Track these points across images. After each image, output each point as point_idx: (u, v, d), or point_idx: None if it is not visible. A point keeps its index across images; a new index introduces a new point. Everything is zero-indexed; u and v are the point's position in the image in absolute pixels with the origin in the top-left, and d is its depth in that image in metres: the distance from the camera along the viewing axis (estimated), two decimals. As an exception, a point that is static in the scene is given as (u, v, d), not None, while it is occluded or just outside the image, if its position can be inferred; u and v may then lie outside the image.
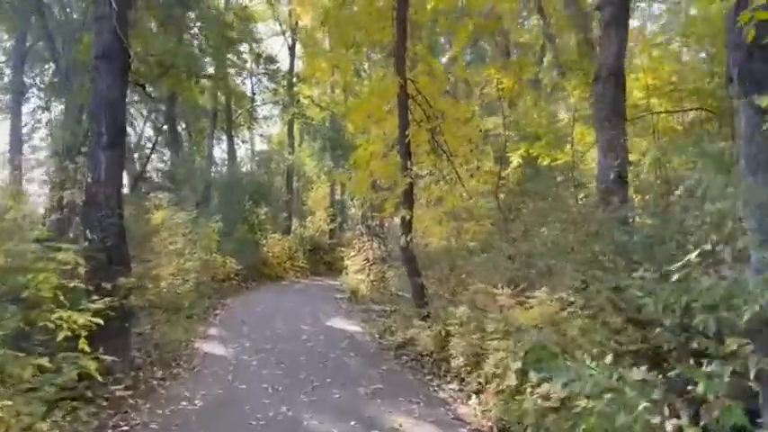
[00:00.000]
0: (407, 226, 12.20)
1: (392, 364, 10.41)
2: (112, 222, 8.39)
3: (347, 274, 22.43)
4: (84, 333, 6.98)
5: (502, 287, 9.05)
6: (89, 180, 8.35)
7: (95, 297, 7.51)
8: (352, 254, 22.34)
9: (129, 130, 27.19)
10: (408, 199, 12.20)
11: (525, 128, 13.97)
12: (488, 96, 16.17)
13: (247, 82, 32.68)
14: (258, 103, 35.21)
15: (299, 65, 31.34)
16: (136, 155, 25.10)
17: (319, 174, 37.09)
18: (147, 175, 19.95)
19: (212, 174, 25.98)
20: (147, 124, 27.65)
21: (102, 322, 7.06)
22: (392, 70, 12.45)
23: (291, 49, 30.78)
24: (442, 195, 13.13)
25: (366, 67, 32.32)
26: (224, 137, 31.70)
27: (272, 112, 36.62)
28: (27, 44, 22.00)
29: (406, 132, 12.12)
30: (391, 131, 12.85)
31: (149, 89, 18.27)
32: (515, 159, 13.48)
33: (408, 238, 12.12)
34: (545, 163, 13.21)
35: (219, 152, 33.38)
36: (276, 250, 26.97)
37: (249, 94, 35.52)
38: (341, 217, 34.47)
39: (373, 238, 21.69)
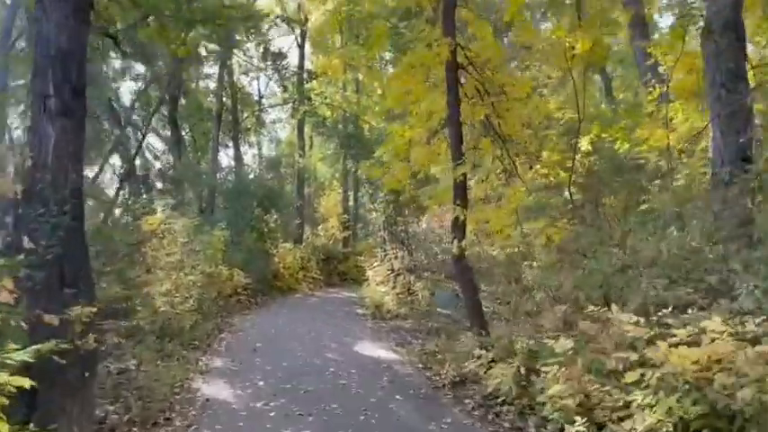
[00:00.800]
0: (461, 229, 9.37)
1: (456, 414, 7.53)
2: (65, 225, 5.56)
3: (368, 285, 19.57)
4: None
5: (619, 309, 6.25)
6: (30, 163, 5.55)
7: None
8: (375, 263, 19.45)
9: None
10: (461, 194, 9.37)
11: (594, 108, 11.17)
12: (553, 68, 13.35)
13: (254, 84, 30.16)
14: (266, 106, 32.57)
15: (309, 63, 28.67)
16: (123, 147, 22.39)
17: (332, 179, 34.36)
18: (139, 173, 16.80)
19: (218, 179, 23.13)
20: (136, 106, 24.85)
21: (31, 383, 4.22)
22: (438, 32, 9.65)
23: (301, 46, 28.08)
24: (501, 190, 10.29)
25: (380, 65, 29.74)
26: (230, 142, 28.99)
27: (280, 116, 33.91)
28: None
29: (457, 111, 9.33)
30: (435, 112, 10.04)
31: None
32: (584, 144, 10.64)
33: (462, 244, 9.27)
34: (623, 149, 10.39)
35: (226, 159, 30.69)
36: (288, 260, 24.17)
37: (257, 96, 32.97)
38: (354, 224, 31.70)
39: (398, 245, 18.83)
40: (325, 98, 25.57)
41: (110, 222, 11.16)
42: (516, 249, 9.77)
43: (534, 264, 9.30)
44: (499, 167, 10.21)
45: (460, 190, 9.37)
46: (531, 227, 9.69)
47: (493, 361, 8.53)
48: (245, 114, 31.24)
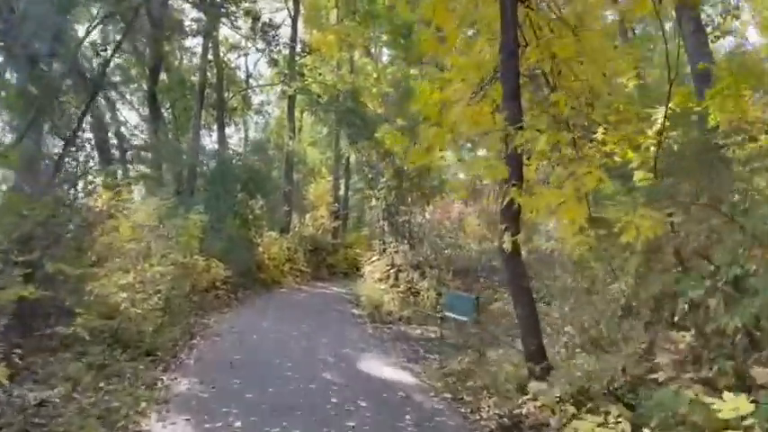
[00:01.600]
0: (514, 217, 6.74)
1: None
2: None
3: (364, 281, 16.91)
4: None
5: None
6: None
7: None
8: (373, 257, 16.77)
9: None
10: (517, 170, 6.73)
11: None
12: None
13: (242, 62, 27.29)
14: (254, 86, 29.67)
15: (301, 39, 25.78)
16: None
17: (322, 165, 31.59)
18: (81, 140, 13.60)
19: (200, 159, 20.22)
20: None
21: None
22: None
23: (294, 18, 25.23)
24: (559, 169, 7.62)
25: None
26: (214, 124, 26.06)
27: (269, 98, 31.02)
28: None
29: (514, 57, 6.70)
30: (480, 63, 7.37)
31: None
32: (660, 116, 8.02)
33: (516, 238, 6.65)
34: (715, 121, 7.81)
35: (209, 141, 27.68)
36: (273, 251, 21.44)
37: (244, 75, 30.05)
38: (345, 214, 29.01)
39: (400, 237, 16.19)
40: (320, 74, 22.74)
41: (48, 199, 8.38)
42: (587, 248, 7.12)
43: (614, 268, 6.65)
44: (560, 139, 7.55)
45: (515, 164, 6.74)
46: (611, 215, 7.04)
47: (560, 400, 5.96)
48: (232, 94, 28.37)
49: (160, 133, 21.60)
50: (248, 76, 30.29)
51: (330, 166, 31.06)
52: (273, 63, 21.13)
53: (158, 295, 10.93)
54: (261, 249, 20.89)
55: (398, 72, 25.04)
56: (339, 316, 14.44)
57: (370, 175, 17.22)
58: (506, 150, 6.82)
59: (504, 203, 6.66)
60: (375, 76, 26.77)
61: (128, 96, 29.43)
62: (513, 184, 6.56)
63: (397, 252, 15.56)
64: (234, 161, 19.90)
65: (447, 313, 11.86)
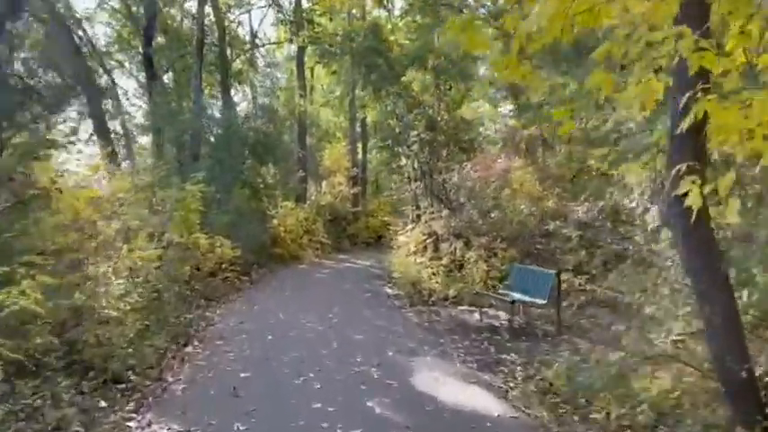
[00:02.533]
0: (697, 148, 3.75)
1: None
2: None
3: (395, 253, 14.02)
4: None
5: None
6: None
7: None
8: (407, 226, 13.83)
9: None
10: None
11: None
12: None
13: (245, 20, 24.11)
14: (261, 45, 26.46)
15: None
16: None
17: (337, 128, 28.49)
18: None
19: (202, 123, 17.17)
20: None
21: None
22: None
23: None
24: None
25: None
26: (218, 88, 22.97)
27: (277, 57, 27.79)
28: None
29: None
30: None
31: None
32: None
33: (703, 187, 3.63)
34: None
35: (214, 108, 24.62)
36: (289, 223, 18.61)
37: (249, 36, 26.84)
38: (364, 179, 26.05)
39: (438, 201, 13.25)
40: (330, 19, 19.45)
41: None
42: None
43: None
44: None
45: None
46: None
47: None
48: (236, 54, 25.26)
49: (156, 96, 18.65)
50: (254, 35, 27.11)
51: (345, 129, 28.02)
52: (278, 8, 17.91)
53: (142, 288, 8.18)
54: (275, 222, 18.08)
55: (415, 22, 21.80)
56: (372, 298, 11.62)
57: (397, 129, 14.12)
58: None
59: (683, 124, 3.65)
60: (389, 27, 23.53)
61: (126, 64, 26.68)
62: (702, 89, 3.52)
63: (434, 218, 12.59)
64: (240, 124, 16.91)
65: (512, 294, 9.00)
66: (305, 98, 21.91)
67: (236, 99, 25.02)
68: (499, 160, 13.34)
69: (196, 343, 7.89)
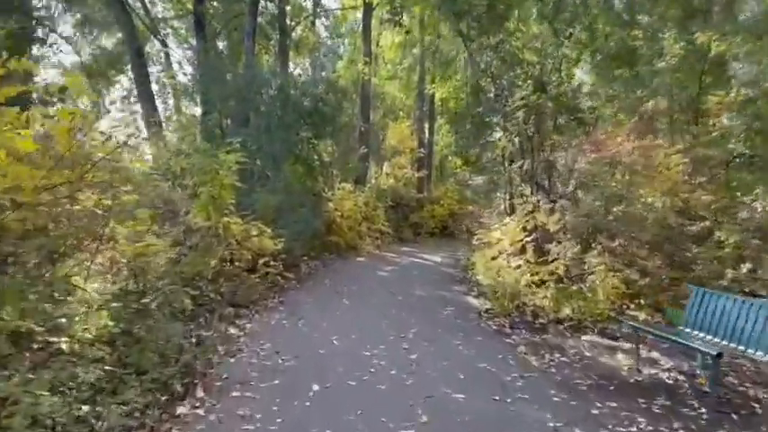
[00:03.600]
0: None
1: None
2: None
3: (482, 255, 10.57)
4: None
5: None
6: None
7: None
8: (506, 220, 10.33)
9: None
10: None
11: None
12: None
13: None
14: (323, 10, 23.29)
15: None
16: None
17: (401, 106, 25.08)
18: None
19: (254, 88, 14.04)
20: None
21: None
22: None
23: None
24: None
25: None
26: (274, 56, 19.94)
27: (338, 27, 24.51)
28: None
29: None
30: None
31: None
32: None
33: None
34: None
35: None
36: (347, 207, 15.43)
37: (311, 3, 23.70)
38: (430, 162, 22.66)
39: (540, 188, 9.75)
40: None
41: None
42: None
43: None
44: None
45: None
46: None
47: None
48: (295, 23, 22.21)
49: (205, 58, 15.75)
50: (316, 2, 23.97)
51: (410, 108, 24.63)
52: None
53: (120, 300, 5.16)
54: (331, 205, 14.94)
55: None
56: (456, 315, 8.28)
57: (491, 93, 10.57)
58: None
59: None
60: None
61: (182, 31, 24.03)
62: None
63: (538, 210, 9.09)
64: (296, 89, 13.76)
65: (693, 332, 5.55)
66: (370, 66, 18.56)
67: (295, 73, 21.98)
68: (619, 138, 9.68)
69: (200, 393, 4.76)
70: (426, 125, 22.79)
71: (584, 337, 7.30)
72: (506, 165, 10.47)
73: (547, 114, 9.52)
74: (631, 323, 6.23)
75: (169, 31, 24.37)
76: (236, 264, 8.70)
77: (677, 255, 8.16)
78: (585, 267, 8.28)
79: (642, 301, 8.21)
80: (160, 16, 23.78)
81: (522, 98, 9.05)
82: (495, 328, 7.66)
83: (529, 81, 9.51)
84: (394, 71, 24.10)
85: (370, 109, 20.15)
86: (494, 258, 9.95)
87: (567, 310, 8.03)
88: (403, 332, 7.05)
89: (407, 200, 20.47)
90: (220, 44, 21.32)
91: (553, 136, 9.03)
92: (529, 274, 9.17)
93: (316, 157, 14.78)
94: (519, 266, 9.46)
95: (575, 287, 8.31)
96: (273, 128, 12.84)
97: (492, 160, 11.31)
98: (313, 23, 23.14)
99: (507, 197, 10.67)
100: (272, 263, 9.43)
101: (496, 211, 11.04)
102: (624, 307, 8.25)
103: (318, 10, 23.28)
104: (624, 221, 7.93)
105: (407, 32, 16.45)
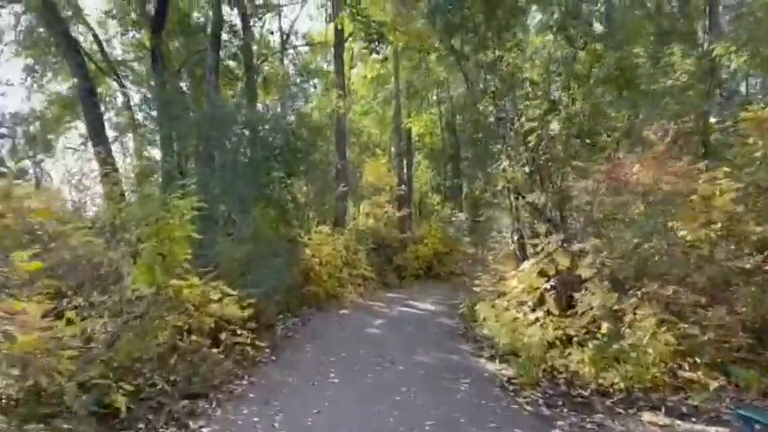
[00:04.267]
0: None
1: None
2: None
3: (491, 305, 8.69)
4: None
5: None
6: None
7: None
8: (522, 266, 8.49)
9: None
10: None
11: None
12: None
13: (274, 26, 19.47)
14: (293, 45, 21.79)
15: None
16: None
17: (379, 140, 23.50)
18: None
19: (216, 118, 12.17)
20: None
21: None
22: None
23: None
24: None
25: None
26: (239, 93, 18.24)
27: (307, 65, 22.99)
28: None
29: None
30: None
31: None
32: None
33: None
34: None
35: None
36: (325, 252, 13.56)
37: (279, 39, 22.25)
38: (409, 199, 21.01)
39: (554, 224, 8.04)
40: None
41: None
42: None
43: None
44: None
45: None
46: None
47: None
48: (263, 58, 20.64)
49: (161, 93, 13.95)
50: (284, 37, 22.52)
51: (387, 144, 23.11)
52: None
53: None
54: (308, 252, 13.06)
55: None
56: (475, 389, 6.42)
57: (493, 117, 8.80)
58: None
59: None
60: None
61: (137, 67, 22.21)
62: None
63: (560, 251, 7.36)
64: (264, 124, 12.01)
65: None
66: (344, 99, 16.96)
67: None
68: (636, 166, 8.09)
69: None
70: (405, 161, 21.21)
71: (645, 416, 5.53)
72: (512, 198, 8.79)
73: (559, 139, 7.94)
74: (742, 411, 4.45)
75: (129, 73, 22.54)
76: (194, 337, 6.74)
77: (740, 300, 6.50)
78: (626, 320, 6.54)
79: (698, 360, 6.49)
80: (120, 59, 21.99)
81: (533, 119, 7.42)
82: (528, 408, 5.82)
83: (537, 101, 7.94)
84: (369, 106, 22.61)
85: (346, 145, 18.50)
86: (506, 309, 8.16)
87: (609, 376, 6.26)
88: (417, 427, 5.16)
89: (389, 241, 18.68)
90: (183, 84, 19.60)
91: (572, 162, 7.39)
92: (552, 329, 7.40)
93: (289, 198, 12.98)
94: (537, 320, 7.69)
95: (615, 346, 6.54)
96: (240, 167, 11.04)
97: (497, 193, 9.63)
98: (282, 60, 21.62)
99: (516, 236, 8.97)
100: (239, 331, 7.48)
101: (502, 252, 9.32)
102: (677, 368, 6.52)
103: (287, 46, 21.80)
104: (674, 263, 6.26)
105: (385, 59, 14.94)
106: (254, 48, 18.70)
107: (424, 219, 22.60)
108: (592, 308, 6.66)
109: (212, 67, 15.38)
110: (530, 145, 7.74)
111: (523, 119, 8.03)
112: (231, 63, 18.56)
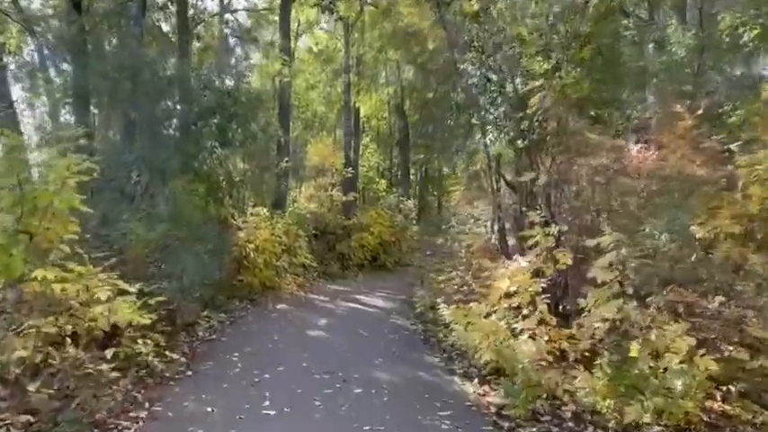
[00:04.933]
0: None
1: None
2: None
3: (463, 309, 7.02)
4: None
5: None
6: None
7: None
8: (506, 264, 6.79)
9: None
10: None
11: None
12: None
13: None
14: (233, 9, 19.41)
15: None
16: None
17: (326, 118, 21.50)
18: None
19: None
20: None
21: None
22: None
23: None
24: None
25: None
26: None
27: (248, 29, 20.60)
28: None
29: None
30: None
31: None
32: None
33: None
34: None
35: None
36: (263, 238, 11.57)
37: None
38: (356, 182, 19.24)
39: (551, 214, 6.45)
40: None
41: None
42: None
43: None
44: None
45: None
46: None
47: None
48: (199, 21, 18.13)
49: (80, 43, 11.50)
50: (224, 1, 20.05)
51: (334, 122, 21.16)
52: None
53: None
54: (243, 236, 11.06)
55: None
56: (460, 428, 4.73)
57: (476, 79, 7.11)
58: None
59: None
60: None
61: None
62: None
63: (559, 248, 5.79)
64: (196, 81, 9.86)
65: None
66: (290, 66, 14.85)
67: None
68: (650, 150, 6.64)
69: None
70: (352, 143, 19.34)
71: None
72: (494, 180, 7.13)
73: (555, 108, 6.35)
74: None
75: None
76: (71, 350, 4.72)
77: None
78: (650, 337, 5.05)
79: (733, 388, 5.11)
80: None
81: (538, 75, 5.75)
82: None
83: (540, 56, 6.27)
84: (315, 80, 20.55)
85: (290, 120, 16.42)
86: (486, 316, 6.53)
87: (633, 411, 4.75)
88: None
89: (333, 227, 16.80)
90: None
91: (583, 134, 5.78)
92: (545, 342, 5.87)
93: (222, 172, 10.90)
94: (526, 330, 6.13)
95: (635, 370, 5.04)
96: (162, 130, 8.89)
97: (476, 174, 7.95)
98: (222, 26, 19.16)
99: (495, 227, 7.33)
100: (142, 339, 5.50)
101: (477, 245, 7.70)
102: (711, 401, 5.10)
103: (227, 11, 19.35)
104: (718, 268, 4.80)
105: (340, 19, 13.00)
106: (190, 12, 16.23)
107: (369, 204, 20.83)
108: (608, 320, 5.12)
109: (138, 16, 12.96)
110: (528, 112, 6.11)
111: (518, 81, 6.40)
112: (164, 26, 16.05)
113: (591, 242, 5.23)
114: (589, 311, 5.51)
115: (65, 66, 17.19)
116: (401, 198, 20.41)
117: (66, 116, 16.03)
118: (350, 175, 17.36)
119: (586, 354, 5.64)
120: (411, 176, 25.27)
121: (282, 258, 12.47)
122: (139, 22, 13.06)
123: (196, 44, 17.62)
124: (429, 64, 21.37)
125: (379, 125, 25.52)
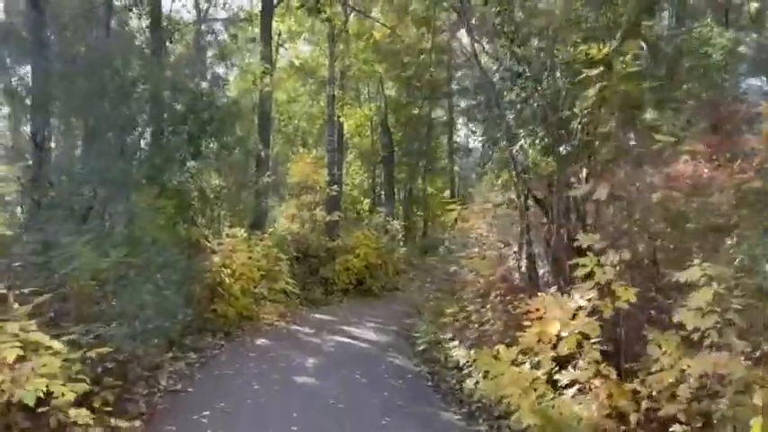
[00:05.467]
0: None
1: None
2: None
3: (491, 354, 5.65)
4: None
5: None
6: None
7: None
8: (554, 301, 5.40)
9: None
10: None
11: None
12: None
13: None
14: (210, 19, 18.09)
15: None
16: None
17: (309, 133, 20.16)
18: None
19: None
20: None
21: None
22: None
23: None
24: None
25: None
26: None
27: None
28: None
29: None
30: None
31: None
32: None
33: None
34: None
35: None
36: (239, 262, 10.11)
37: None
38: (339, 200, 17.90)
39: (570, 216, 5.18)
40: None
41: None
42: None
43: None
44: None
45: None
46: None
47: None
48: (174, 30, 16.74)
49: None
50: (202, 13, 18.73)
51: (317, 138, 19.84)
52: None
53: None
54: (217, 260, 9.60)
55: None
56: None
57: (499, 75, 5.78)
58: None
59: None
60: None
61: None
62: None
63: (618, 281, 4.52)
64: (163, 77, 8.47)
65: None
66: (271, 74, 13.51)
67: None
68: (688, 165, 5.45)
69: None
70: (337, 159, 18.04)
71: None
72: (523, 197, 5.84)
73: (597, 111, 5.11)
74: None
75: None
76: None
77: None
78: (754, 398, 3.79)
79: None
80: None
81: (593, 62, 4.49)
82: None
83: (589, 42, 5.02)
84: (296, 93, 19.26)
85: (271, 133, 15.05)
86: (514, 363, 5.20)
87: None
88: None
89: (315, 249, 15.36)
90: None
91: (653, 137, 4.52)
92: (606, 400, 4.56)
93: (194, 188, 9.45)
94: (573, 384, 4.82)
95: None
96: (122, 138, 7.44)
97: (494, 187, 6.70)
98: (198, 35, 17.79)
99: (523, 254, 6.02)
100: (77, 405, 4.03)
101: (498, 274, 6.38)
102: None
103: (205, 19, 18.01)
104: None
105: (328, 20, 11.76)
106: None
107: (352, 225, 19.44)
108: (706, 376, 3.84)
109: (104, 21, 11.56)
110: (575, 110, 4.84)
111: (557, 73, 5.17)
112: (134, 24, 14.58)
113: (680, 275, 3.96)
114: (662, 364, 4.23)
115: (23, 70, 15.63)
116: (387, 218, 19.11)
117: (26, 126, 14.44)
118: (334, 193, 16.00)
119: (659, 417, 4.34)
120: (395, 196, 24.00)
121: (261, 284, 11.02)
122: (105, 26, 11.69)
123: (169, 44, 16.17)
124: (414, 80, 20.43)
125: (363, 142, 24.33)
